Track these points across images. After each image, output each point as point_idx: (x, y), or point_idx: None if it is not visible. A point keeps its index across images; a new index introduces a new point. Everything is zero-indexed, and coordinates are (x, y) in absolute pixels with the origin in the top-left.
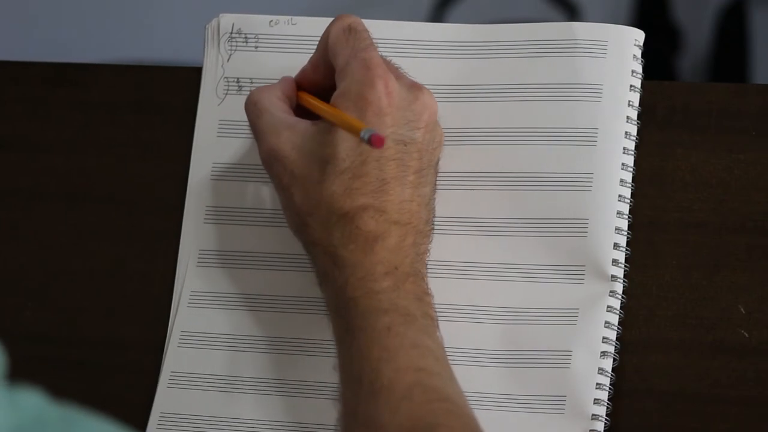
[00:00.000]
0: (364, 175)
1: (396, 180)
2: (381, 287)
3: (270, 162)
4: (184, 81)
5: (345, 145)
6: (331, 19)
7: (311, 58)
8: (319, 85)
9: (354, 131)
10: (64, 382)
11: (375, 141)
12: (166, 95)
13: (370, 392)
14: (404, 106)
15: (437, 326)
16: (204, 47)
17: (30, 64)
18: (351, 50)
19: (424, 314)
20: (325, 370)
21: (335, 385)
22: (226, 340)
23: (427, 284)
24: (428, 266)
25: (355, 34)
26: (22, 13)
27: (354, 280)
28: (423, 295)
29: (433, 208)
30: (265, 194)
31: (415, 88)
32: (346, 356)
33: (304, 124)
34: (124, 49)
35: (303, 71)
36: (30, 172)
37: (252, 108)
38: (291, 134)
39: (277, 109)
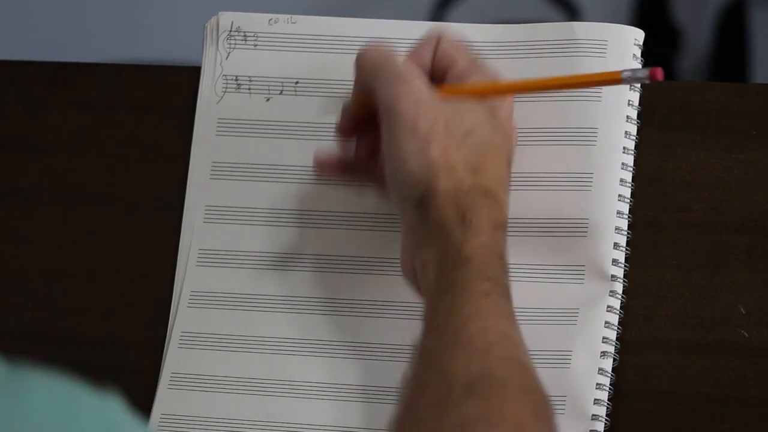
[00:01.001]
0: (488, 164)
1: (505, 181)
2: (492, 261)
3: (415, 104)
4: (184, 81)
5: (482, 129)
6: (330, 17)
7: (415, 52)
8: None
9: (612, 79)
10: None
11: (656, 73)
12: (166, 95)
13: (452, 342)
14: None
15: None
16: (203, 45)
17: (30, 64)
18: (470, 56)
19: (511, 293)
20: (328, 370)
21: (340, 386)
22: (227, 340)
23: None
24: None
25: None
26: (22, 13)
27: (475, 243)
28: (511, 294)
29: None
30: (264, 193)
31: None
32: (436, 308)
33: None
34: (124, 49)
35: (418, 58)
36: (30, 172)
37: (386, 53)
38: (434, 91)
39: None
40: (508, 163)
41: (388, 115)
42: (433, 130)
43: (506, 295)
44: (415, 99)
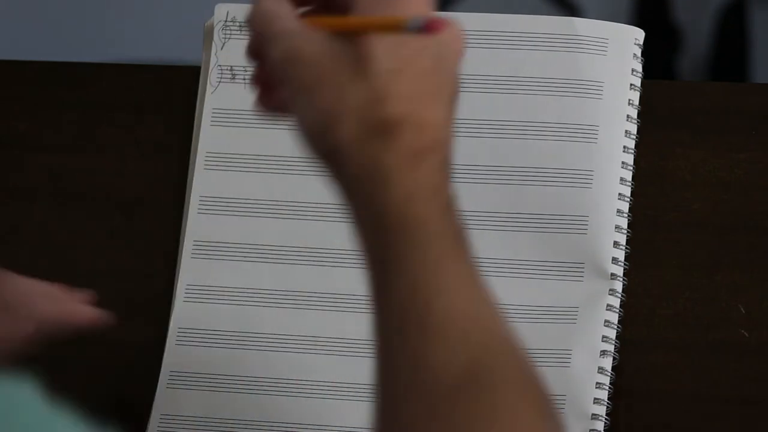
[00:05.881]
0: (402, 83)
1: (433, 97)
2: (428, 212)
3: (288, 62)
4: (184, 81)
5: (383, 46)
6: None
7: None
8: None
9: (399, 27)
10: (65, 383)
11: (432, 25)
12: (166, 95)
13: (420, 329)
14: None
15: (477, 264)
16: (203, 44)
17: (29, 63)
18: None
19: (468, 248)
20: (330, 368)
21: (341, 384)
22: (224, 337)
23: (461, 219)
24: None
25: None
26: (22, 13)
27: (398, 198)
28: (462, 231)
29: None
30: (258, 183)
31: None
32: (385, 285)
33: (325, 32)
34: (124, 49)
35: None
36: (30, 172)
37: (260, 15)
38: (313, 35)
39: (293, 15)
40: (439, 78)
41: (279, 78)
42: (318, 77)
43: (455, 250)
44: (295, 55)
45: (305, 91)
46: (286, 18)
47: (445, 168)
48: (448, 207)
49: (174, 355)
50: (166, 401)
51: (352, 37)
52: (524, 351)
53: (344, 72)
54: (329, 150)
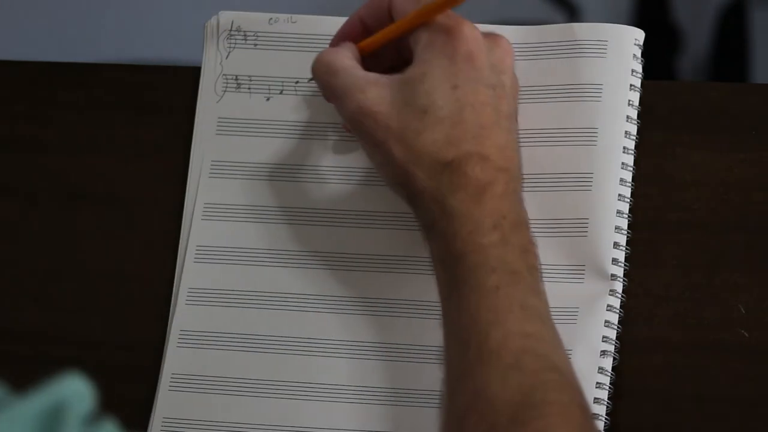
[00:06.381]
0: (463, 122)
1: (492, 126)
2: (490, 241)
3: (359, 120)
4: (184, 81)
5: (440, 93)
6: (330, 17)
7: (356, 14)
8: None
9: (444, 5)
10: None
11: None
12: (166, 95)
13: (478, 357)
14: (487, 51)
15: (541, 278)
16: (203, 45)
17: (29, 64)
18: (417, 3)
19: (531, 267)
20: (328, 371)
21: (342, 387)
22: (226, 339)
23: (531, 233)
24: (427, 263)
25: None
26: (22, 13)
27: (463, 233)
28: (528, 246)
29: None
30: (263, 192)
31: (491, 33)
32: (452, 314)
33: (387, 78)
34: (124, 49)
35: (351, 24)
36: (30, 172)
37: (324, 69)
38: (378, 89)
39: (353, 67)
40: (495, 104)
41: (352, 130)
42: (388, 134)
43: (513, 277)
44: (365, 112)
45: (379, 146)
46: (349, 69)
47: (508, 194)
48: (510, 231)
49: (175, 357)
50: (167, 404)
51: (415, 86)
52: (574, 375)
53: (412, 125)
54: (409, 196)
